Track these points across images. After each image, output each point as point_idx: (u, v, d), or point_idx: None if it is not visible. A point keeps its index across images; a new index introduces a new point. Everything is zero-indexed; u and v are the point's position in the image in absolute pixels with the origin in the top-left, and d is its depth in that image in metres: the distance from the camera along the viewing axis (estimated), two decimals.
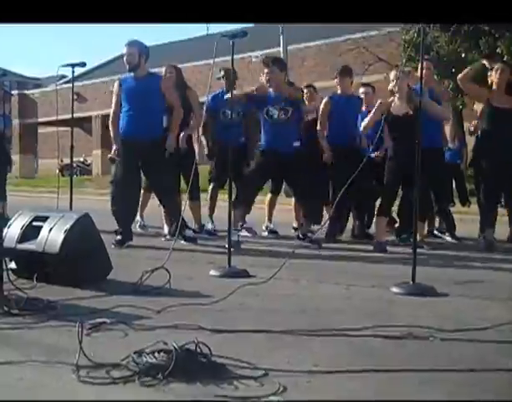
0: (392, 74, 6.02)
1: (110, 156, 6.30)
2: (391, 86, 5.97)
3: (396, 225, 6.75)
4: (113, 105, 6.15)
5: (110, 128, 6.17)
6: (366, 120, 6.02)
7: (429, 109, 5.51)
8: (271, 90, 6.22)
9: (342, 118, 6.66)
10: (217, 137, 6.99)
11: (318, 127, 6.76)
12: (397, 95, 5.90)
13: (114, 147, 6.14)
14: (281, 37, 16.99)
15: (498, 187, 6.12)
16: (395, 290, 3.92)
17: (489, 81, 6.23)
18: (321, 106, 6.80)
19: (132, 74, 6.02)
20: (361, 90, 7.27)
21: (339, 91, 6.90)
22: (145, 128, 5.89)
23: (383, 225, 6.09)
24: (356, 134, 6.63)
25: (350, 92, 6.96)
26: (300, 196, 6.35)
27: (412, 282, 3.93)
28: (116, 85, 6.17)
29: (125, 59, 6.04)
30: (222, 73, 7.10)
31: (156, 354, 2.29)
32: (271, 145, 6.18)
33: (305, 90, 7.35)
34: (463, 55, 13.12)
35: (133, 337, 2.78)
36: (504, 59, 12.37)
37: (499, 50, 12.65)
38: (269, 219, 7.33)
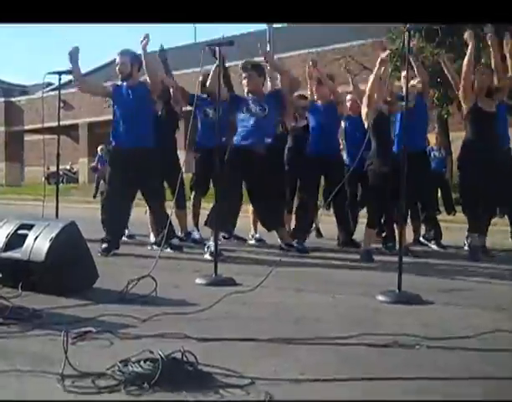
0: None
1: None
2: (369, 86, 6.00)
3: (384, 234, 6.80)
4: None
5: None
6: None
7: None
8: (250, 94, 6.24)
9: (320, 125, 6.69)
10: (198, 140, 6.96)
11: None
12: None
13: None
14: (268, 45, 17.04)
15: (484, 191, 6.14)
16: (381, 298, 3.93)
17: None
18: None
19: (125, 83, 6.05)
20: (348, 96, 7.33)
21: (316, 97, 6.89)
22: (137, 137, 5.92)
23: (370, 235, 6.11)
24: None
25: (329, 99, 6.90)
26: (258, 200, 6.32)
27: (397, 290, 3.95)
28: (109, 84, 6.22)
29: (117, 68, 6.06)
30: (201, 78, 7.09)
31: (142, 363, 2.28)
32: (244, 141, 6.11)
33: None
34: None
35: (119, 346, 2.76)
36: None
37: (483, 60, 12.77)
38: (255, 228, 7.34)
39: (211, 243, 5.46)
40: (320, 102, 6.83)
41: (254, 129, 6.01)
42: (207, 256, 5.62)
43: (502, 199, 6.46)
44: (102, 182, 19.65)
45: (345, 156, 7.27)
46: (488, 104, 6.12)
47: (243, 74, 6.25)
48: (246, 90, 6.24)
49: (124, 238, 6.93)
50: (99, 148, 21.08)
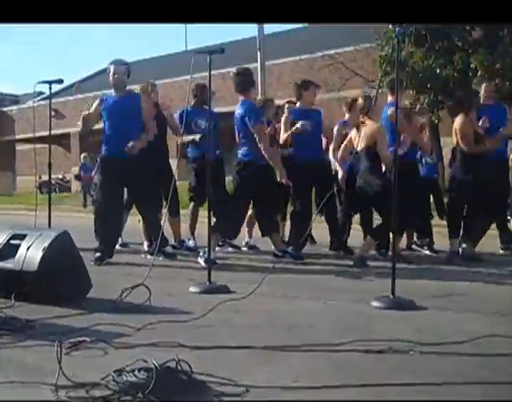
0: (361, 101, 6.19)
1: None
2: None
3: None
4: (83, 117, 6.09)
5: (80, 122, 6.12)
6: (342, 149, 6.30)
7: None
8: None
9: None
10: (193, 152, 7.00)
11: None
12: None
13: (94, 170, 6.24)
14: (258, 53, 17.10)
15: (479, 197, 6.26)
16: (374, 304, 3.94)
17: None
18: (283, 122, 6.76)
19: (114, 92, 6.06)
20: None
21: (298, 104, 6.81)
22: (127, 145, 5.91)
23: (371, 245, 6.10)
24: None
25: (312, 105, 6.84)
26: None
27: (391, 296, 3.96)
28: (96, 102, 6.17)
29: (111, 77, 6.04)
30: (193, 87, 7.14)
31: (137, 372, 2.27)
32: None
33: (286, 106, 7.41)
34: (437, 71, 13.32)
35: (113, 355, 2.76)
36: (478, 73, 12.61)
37: (472, 66, 12.87)
38: (249, 235, 7.34)
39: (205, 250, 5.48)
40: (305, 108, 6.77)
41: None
42: (202, 262, 5.63)
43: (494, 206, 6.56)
44: (92, 189, 19.72)
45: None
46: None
47: None
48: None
49: (118, 246, 6.93)
50: (81, 156, 21.06)
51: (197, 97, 7.03)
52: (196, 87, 7.09)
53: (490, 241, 6.88)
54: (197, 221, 7.19)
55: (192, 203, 7.20)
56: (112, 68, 6.05)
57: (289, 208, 6.90)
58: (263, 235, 6.52)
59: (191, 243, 7.09)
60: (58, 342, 2.53)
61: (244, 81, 6.16)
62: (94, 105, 6.17)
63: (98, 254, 5.90)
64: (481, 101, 6.80)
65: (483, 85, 7.05)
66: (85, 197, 19.75)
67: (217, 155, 6.81)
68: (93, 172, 15.53)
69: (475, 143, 6.26)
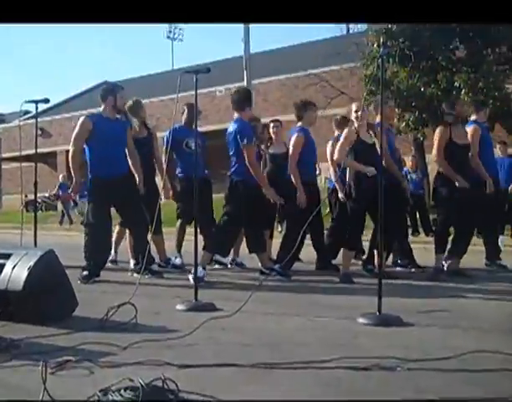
0: (355, 105, 6.17)
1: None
2: (353, 116, 6.11)
3: (364, 257, 6.83)
4: (76, 140, 6.08)
5: (71, 164, 6.14)
6: (338, 150, 6.11)
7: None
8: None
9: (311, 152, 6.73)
10: (183, 171, 7.03)
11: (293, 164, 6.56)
12: (361, 125, 6.04)
13: (73, 184, 6.20)
14: (245, 71, 17.20)
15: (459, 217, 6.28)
16: (361, 320, 3.95)
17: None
18: (295, 141, 6.63)
19: (104, 115, 6.11)
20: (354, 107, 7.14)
21: (299, 124, 6.80)
22: (118, 166, 6.02)
23: (349, 257, 6.15)
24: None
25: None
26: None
27: (378, 313, 3.97)
28: (87, 121, 6.07)
29: (118, 103, 6.11)
30: (184, 108, 7.20)
31: (123, 392, 2.26)
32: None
33: (272, 125, 7.45)
34: (422, 89, 13.47)
35: (99, 374, 2.74)
36: (462, 92, 12.76)
37: (456, 84, 13.02)
38: (236, 252, 7.34)
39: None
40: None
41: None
42: (191, 279, 5.63)
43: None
44: (69, 208, 19.78)
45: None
46: (461, 135, 6.33)
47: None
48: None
49: (108, 263, 6.92)
50: (60, 176, 21.13)
51: (187, 117, 7.08)
52: (185, 107, 7.15)
53: (475, 257, 6.93)
54: (183, 239, 7.20)
55: (179, 221, 7.21)
56: (118, 94, 6.12)
57: (276, 226, 6.92)
58: (250, 252, 6.53)
59: (177, 261, 7.08)
60: (43, 362, 2.51)
61: (240, 99, 6.25)
62: (86, 126, 6.07)
63: (85, 272, 5.88)
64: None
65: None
66: (63, 215, 19.79)
67: (204, 174, 6.86)
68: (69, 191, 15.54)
69: (453, 158, 6.29)
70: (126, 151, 6.26)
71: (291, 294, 5.41)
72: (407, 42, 13.42)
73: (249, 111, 6.37)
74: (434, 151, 6.34)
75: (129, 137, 6.28)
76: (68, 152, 6.34)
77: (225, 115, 5.99)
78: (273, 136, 7.42)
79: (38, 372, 2.47)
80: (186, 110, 7.16)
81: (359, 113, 6.00)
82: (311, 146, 6.64)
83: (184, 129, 7.04)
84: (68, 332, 3.60)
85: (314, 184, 6.69)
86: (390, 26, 13.61)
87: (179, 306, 4.48)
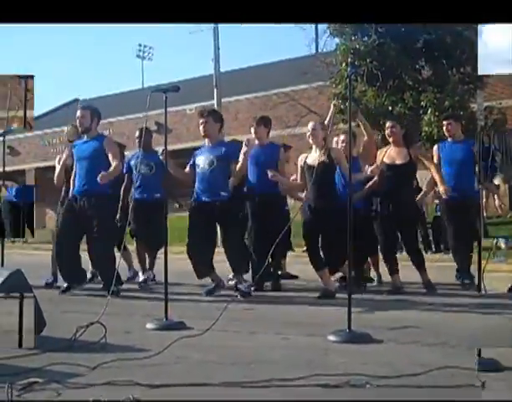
0: (310, 125, 6.24)
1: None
2: (307, 134, 6.20)
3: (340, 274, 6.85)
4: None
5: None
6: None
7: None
8: (206, 140, 6.31)
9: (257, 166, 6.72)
10: (133, 195, 7.24)
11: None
12: (314, 145, 6.16)
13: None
14: (215, 90, 17.27)
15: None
16: (331, 338, 3.97)
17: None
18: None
19: (84, 136, 6.37)
20: (342, 137, 7.16)
21: (256, 141, 6.89)
22: (94, 185, 6.08)
23: (326, 274, 6.15)
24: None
25: (267, 141, 6.97)
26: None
27: (347, 330, 3.99)
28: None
29: (78, 121, 6.33)
30: (137, 133, 7.40)
31: None
32: (199, 195, 6.25)
33: (244, 142, 7.45)
34: (389, 108, 13.68)
35: (67, 396, 2.70)
36: (428, 111, 13.02)
37: (422, 103, 13.27)
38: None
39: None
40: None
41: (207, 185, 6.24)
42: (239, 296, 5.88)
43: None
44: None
45: None
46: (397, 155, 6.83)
47: (200, 120, 6.30)
48: (203, 136, 6.34)
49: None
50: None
51: (139, 141, 7.19)
52: (137, 131, 7.45)
53: (446, 272, 7.01)
54: (144, 256, 7.35)
55: (134, 239, 7.42)
56: (79, 111, 6.38)
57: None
58: (233, 271, 6.46)
59: (141, 278, 7.26)
60: (8, 384, 2.47)
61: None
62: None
63: (65, 285, 6.27)
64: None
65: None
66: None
67: (156, 197, 6.93)
68: None
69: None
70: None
71: (262, 311, 5.40)
72: (374, 62, 13.65)
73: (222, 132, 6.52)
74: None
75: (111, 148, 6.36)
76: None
77: (195, 134, 5.97)
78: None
79: (4, 394, 2.42)
80: (137, 134, 7.36)
81: (314, 131, 6.12)
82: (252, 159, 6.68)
83: (138, 154, 7.08)
84: (35, 352, 3.55)
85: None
86: (357, 46, 13.84)
87: (149, 325, 4.45)
